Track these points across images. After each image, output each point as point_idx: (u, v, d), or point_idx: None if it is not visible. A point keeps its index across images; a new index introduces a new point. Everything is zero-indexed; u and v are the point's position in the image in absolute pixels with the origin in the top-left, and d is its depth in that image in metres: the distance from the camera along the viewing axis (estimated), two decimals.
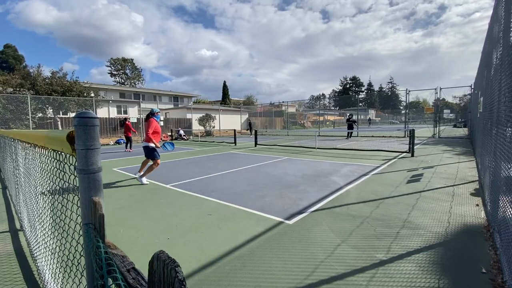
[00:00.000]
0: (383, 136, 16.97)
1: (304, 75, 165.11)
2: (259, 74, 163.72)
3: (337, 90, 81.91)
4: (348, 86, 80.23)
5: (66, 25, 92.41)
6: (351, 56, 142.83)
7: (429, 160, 7.67)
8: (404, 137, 15.76)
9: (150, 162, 5.74)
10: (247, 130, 26.46)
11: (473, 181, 5.07)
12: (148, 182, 5.53)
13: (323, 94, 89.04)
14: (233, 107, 37.68)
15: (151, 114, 5.75)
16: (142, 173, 5.62)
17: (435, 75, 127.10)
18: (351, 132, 17.29)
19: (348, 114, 18.45)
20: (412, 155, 8.47)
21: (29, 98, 14.78)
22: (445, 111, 21.26)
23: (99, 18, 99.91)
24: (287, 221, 3.30)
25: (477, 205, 3.75)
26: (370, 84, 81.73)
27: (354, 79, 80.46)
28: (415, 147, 8.84)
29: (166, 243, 2.81)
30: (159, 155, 5.67)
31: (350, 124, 17.13)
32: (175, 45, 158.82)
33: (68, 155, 1.01)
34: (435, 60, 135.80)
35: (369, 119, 43.96)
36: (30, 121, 14.77)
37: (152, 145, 5.53)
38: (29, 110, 14.66)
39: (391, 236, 2.82)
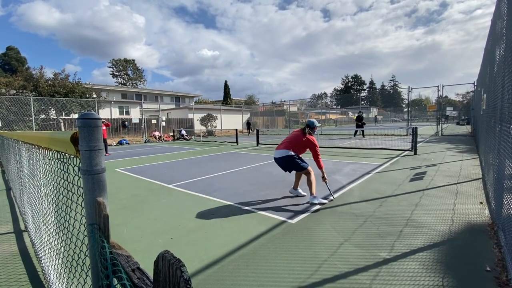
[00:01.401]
0: (385, 135, 16.91)
1: (306, 74, 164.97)
2: (261, 74, 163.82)
3: (339, 89, 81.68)
4: (350, 84, 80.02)
5: (68, 26, 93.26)
6: (352, 55, 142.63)
7: (432, 158, 7.63)
8: (407, 135, 15.69)
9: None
10: (247, 130, 26.51)
11: (476, 179, 5.04)
12: (326, 201, 4.01)
13: (324, 93, 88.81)
14: (234, 106, 37.70)
15: (312, 128, 4.26)
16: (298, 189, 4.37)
17: (437, 73, 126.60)
18: (357, 131, 16.46)
19: (358, 112, 17.26)
20: (415, 153, 8.43)
21: (32, 99, 14.87)
22: (448, 108, 21.11)
23: (101, 20, 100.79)
24: (290, 221, 3.30)
25: (481, 203, 3.73)
26: (372, 82, 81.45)
27: (355, 77, 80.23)
28: (417, 145, 8.79)
29: (170, 243, 2.82)
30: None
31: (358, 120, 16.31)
32: (177, 46, 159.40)
33: (71, 156, 1.02)
34: (437, 58, 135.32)
35: (376, 117, 43.69)
36: (33, 123, 14.86)
37: (292, 153, 4.05)
38: (32, 111, 14.75)
39: (395, 235, 2.81)
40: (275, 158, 4.23)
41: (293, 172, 4.32)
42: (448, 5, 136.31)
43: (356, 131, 16.77)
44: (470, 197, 4.00)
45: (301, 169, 4.08)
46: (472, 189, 4.41)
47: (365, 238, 2.77)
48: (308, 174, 4.06)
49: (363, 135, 16.30)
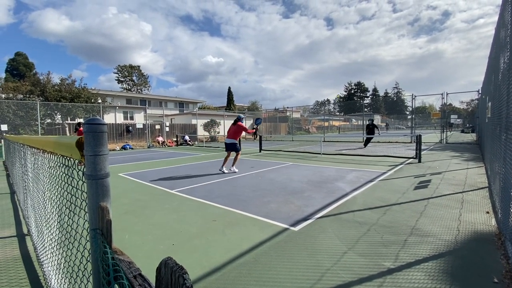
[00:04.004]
0: (389, 142, 16.81)
1: (309, 81, 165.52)
2: (264, 80, 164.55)
3: (342, 96, 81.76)
4: (353, 91, 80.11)
5: (77, 33, 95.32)
6: (355, 62, 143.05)
7: (437, 166, 7.55)
8: (411, 142, 15.58)
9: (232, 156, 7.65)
10: (252, 136, 26.59)
11: (482, 188, 4.97)
12: (237, 169, 7.43)
13: (327, 100, 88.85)
14: (237, 112, 37.86)
15: (239, 119, 7.57)
16: (224, 166, 7.45)
17: (440, 81, 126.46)
18: (370, 138, 14.41)
19: (368, 120, 15.06)
20: (419, 161, 8.36)
21: (38, 104, 15.09)
22: (452, 116, 20.99)
23: (109, 27, 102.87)
24: (292, 228, 3.27)
25: (488, 212, 3.67)
26: (375, 90, 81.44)
27: (358, 84, 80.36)
28: (422, 152, 8.72)
29: (171, 249, 2.80)
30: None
31: (372, 129, 14.13)
32: (182, 53, 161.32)
33: (76, 161, 1.03)
34: (440, 66, 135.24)
35: (387, 124, 43.42)
36: (39, 127, 15.05)
37: (235, 141, 7.48)
38: (38, 116, 14.95)
39: (399, 244, 2.77)
40: (225, 143, 7.58)
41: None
42: (451, 14, 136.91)
43: (368, 139, 14.53)
44: (476, 206, 3.94)
45: (237, 151, 7.47)
46: (478, 198, 4.34)
47: (369, 246, 2.73)
48: (238, 154, 7.55)
49: (365, 144, 14.77)
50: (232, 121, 7.63)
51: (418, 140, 8.62)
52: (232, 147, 7.43)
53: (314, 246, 2.77)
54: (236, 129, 7.44)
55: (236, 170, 7.29)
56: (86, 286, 1.02)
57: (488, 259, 2.44)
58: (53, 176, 1.55)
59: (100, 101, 21.45)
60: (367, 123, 14.73)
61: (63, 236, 1.43)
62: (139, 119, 27.61)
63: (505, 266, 2.29)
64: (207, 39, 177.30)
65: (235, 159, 7.46)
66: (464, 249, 2.63)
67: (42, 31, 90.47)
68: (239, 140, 7.71)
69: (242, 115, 7.71)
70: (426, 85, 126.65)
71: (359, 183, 5.59)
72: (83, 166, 0.88)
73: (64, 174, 1.27)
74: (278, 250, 2.71)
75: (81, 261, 1.10)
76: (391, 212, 3.76)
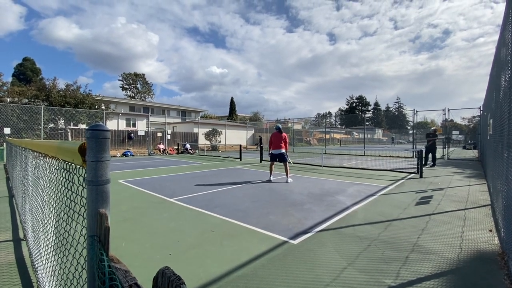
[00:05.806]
0: (390, 156, 16.76)
1: (311, 93, 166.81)
2: (267, 92, 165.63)
3: (344, 109, 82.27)
4: (354, 105, 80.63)
5: (85, 41, 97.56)
6: (357, 77, 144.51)
7: (439, 182, 7.49)
8: (412, 157, 15.52)
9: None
10: (256, 146, 26.57)
11: (485, 205, 4.90)
12: (291, 180, 7.51)
13: (329, 112, 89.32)
14: (239, 122, 38.06)
15: (280, 130, 7.76)
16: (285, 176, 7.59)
17: (442, 97, 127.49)
18: (434, 154, 11.33)
19: (431, 129, 12.09)
20: (421, 176, 8.30)
21: (42, 109, 15.24)
22: (454, 132, 20.99)
23: (117, 36, 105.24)
24: (291, 241, 3.22)
25: (490, 230, 3.61)
26: (376, 104, 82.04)
27: (360, 98, 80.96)
28: (423, 168, 8.67)
29: (168, 259, 2.76)
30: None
31: (433, 142, 11.29)
32: (187, 63, 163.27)
33: (77, 166, 1.03)
34: (441, 82, 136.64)
35: (393, 138, 43.45)
36: (42, 131, 15.14)
37: (283, 151, 7.64)
38: (42, 120, 15.08)
39: (400, 261, 2.71)
40: (272, 153, 7.72)
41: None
42: (451, 32, 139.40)
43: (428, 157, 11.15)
44: (479, 224, 3.88)
45: (285, 161, 7.55)
46: (480, 216, 4.28)
47: (369, 262, 2.68)
48: (286, 164, 7.52)
49: (433, 163, 11.65)
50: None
51: (420, 155, 8.60)
52: (281, 157, 7.59)
53: (313, 261, 2.72)
54: (282, 139, 7.61)
55: (291, 180, 7.37)
56: None
57: (491, 279, 2.38)
58: (53, 180, 1.54)
59: (103, 107, 21.65)
60: (430, 132, 11.81)
61: (60, 242, 1.41)
62: (141, 126, 27.79)
63: (508, 287, 2.24)
64: (212, 50, 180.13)
65: (286, 170, 7.44)
66: (466, 268, 2.57)
67: (51, 38, 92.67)
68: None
69: (280, 125, 7.95)
70: (427, 101, 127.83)
71: (360, 197, 5.53)
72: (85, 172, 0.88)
73: (64, 179, 1.26)
74: (277, 263, 2.66)
75: (76, 268, 1.08)
76: (392, 228, 3.71)
